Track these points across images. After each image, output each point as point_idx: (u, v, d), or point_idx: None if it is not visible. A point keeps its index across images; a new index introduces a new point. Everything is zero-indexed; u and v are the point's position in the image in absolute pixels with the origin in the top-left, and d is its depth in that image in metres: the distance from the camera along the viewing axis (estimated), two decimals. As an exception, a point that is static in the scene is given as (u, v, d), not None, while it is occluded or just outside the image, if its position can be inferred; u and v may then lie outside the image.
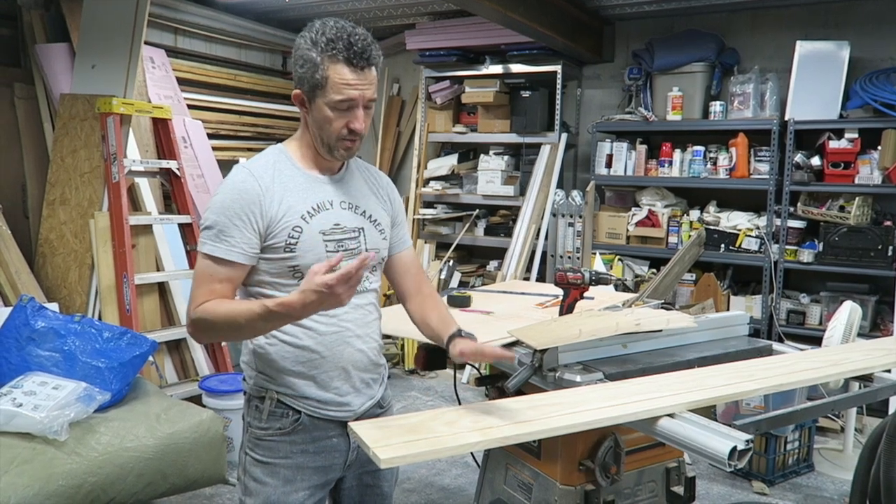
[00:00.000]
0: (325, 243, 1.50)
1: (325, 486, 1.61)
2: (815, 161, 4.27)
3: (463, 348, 1.48)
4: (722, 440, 1.26)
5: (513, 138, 5.20)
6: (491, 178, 5.24)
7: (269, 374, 1.54)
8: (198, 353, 3.87)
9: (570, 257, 4.44)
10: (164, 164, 3.81)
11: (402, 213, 1.73)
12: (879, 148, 4.05)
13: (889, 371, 1.77)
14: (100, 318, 3.41)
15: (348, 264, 1.27)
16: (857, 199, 4.15)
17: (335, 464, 1.59)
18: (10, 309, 2.76)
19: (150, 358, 3.13)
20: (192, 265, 3.90)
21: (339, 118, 1.46)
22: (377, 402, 1.65)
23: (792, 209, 4.35)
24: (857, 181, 4.15)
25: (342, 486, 1.67)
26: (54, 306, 3.29)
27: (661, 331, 1.90)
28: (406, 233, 1.74)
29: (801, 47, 4.28)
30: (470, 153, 5.70)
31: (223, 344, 3.80)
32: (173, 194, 3.90)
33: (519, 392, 1.66)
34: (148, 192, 3.97)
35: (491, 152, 5.36)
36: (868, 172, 4.12)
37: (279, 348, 1.52)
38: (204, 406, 3.05)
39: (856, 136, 4.13)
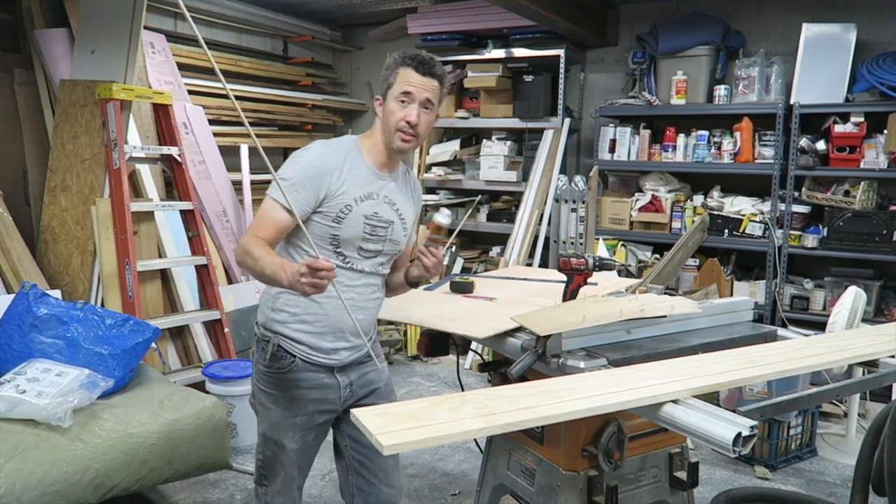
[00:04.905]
0: (365, 224, 1.85)
1: (323, 414, 1.93)
2: (821, 145, 4.24)
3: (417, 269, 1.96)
4: (726, 426, 1.26)
5: (515, 123, 5.17)
6: (493, 163, 5.21)
7: (280, 318, 1.87)
8: (201, 339, 3.89)
9: (572, 243, 4.43)
10: (165, 150, 3.79)
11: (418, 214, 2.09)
12: (885, 132, 4.02)
13: (894, 357, 1.76)
14: (102, 305, 3.41)
15: (321, 260, 1.55)
16: (862, 183, 4.12)
17: (329, 398, 1.93)
18: (12, 296, 2.76)
19: (153, 344, 3.13)
20: (194, 252, 3.92)
21: (400, 110, 1.82)
22: (365, 353, 1.95)
23: (796, 194, 4.32)
24: (862, 165, 4.12)
25: (341, 425, 1.98)
26: (57, 293, 3.29)
27: (665, 316, 1.90)
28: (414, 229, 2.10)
29: (808, 30, 4.23)
30: (472, 138, 5.66)
31: (226, 331, 3.82)
32: (174, 181, 3.89)
33: (522, 378, 1.65)
34: (149, 178, 3.96)
35: (493, 137, 5.33)
36: (874, 157, 4.09)
37: (297, 298, 1.82)
38: (207, 392, 3.06)
39: (862, 119, 4.09)
